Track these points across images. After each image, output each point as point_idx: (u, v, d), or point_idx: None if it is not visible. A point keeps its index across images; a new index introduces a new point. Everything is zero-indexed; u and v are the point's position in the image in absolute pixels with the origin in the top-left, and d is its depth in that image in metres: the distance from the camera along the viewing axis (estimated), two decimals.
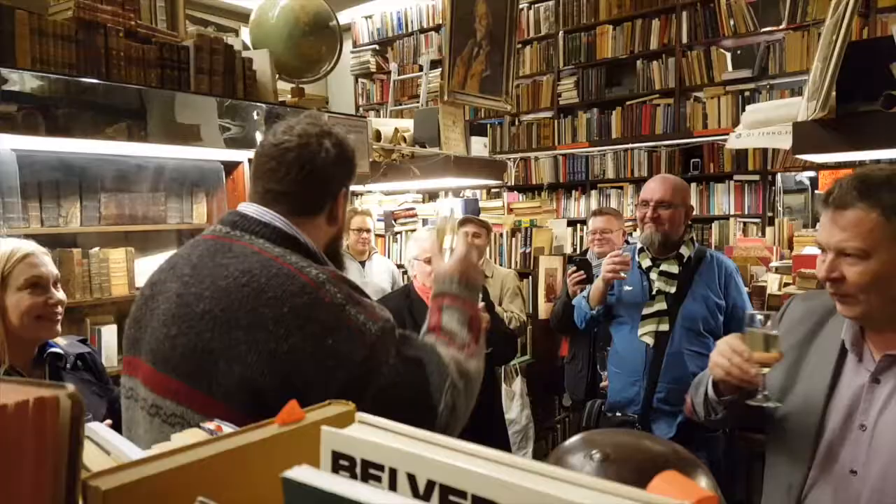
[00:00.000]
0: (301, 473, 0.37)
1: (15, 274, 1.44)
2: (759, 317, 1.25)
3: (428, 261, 2.39)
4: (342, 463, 0.43)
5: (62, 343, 1.58)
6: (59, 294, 1.51)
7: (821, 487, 1.21)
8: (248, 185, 2.56)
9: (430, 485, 0.39)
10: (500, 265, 3.75)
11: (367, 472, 0.41)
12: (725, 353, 1.23)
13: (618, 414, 2.32)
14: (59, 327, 1.52)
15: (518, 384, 3.18)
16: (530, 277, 3.73)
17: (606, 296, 2.33)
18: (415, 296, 2.45)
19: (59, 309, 1.51)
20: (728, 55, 5.15)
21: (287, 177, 1.12)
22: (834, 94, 1.95)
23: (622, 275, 2.24)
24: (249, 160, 2.56)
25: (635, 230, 3.65)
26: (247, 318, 0.98)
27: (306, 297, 1.00)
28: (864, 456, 1.16)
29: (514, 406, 3.19)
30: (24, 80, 1.78)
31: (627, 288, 2.33)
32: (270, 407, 0.96)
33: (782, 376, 1.30)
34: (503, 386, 3.06)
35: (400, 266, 4.01)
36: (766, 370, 1.22)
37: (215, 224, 1.17)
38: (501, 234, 3.90)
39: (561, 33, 5.81)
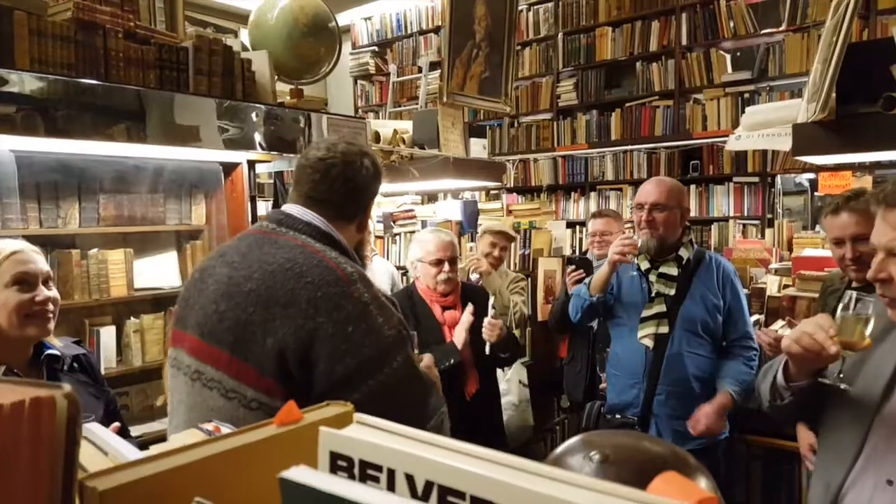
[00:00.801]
0: (298, 474, 0.37)
1: (1, 271, 1.42)
2: (855, 299, 1.17)
3: (432, 262, 2.38)
4: (340, 464, 0.43)
5: (58, 345, 1.57)
6: (49, 292, 1.48)
7: (858, 491, 1.18)
8: (247, 186, 2.57)
9: (429, 485, 0.38)
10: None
11: (366, 472, 0.41)
12: (808, 328, 1.17)
13: (617, 416, 2.31)
14: (51, 325, 1.49)
15: (523, 375, 3.11)
16: (529, 279, 3.73)
17: (609, 283, 2.29)
18: (417, 297, 2.44)
19: (51, 307, 1.48)
20: (728, 57, 5.15)
21: (329, 189, 1.29)
22: (834, 95, 1.95)
23: (629, 258, 2.20)
24: (248, 161, 2.56)
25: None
26: (285, 296, 1.14)
27: (339, 288, 1.15)
28: None
29: (502, 381, 3.01)
30: (22, 81, 1.78)
31: (632, 273, 2.30)
32: (293, 377, 1.12)
33: (845, 373, 1.25)
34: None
35: (399, 268, 4.01)
36: (849, 353, 1.17)
37: (261, 221, 1.33)
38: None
39: (560, 35, 5.81)
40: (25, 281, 1.44)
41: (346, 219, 1.32)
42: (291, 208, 1.30)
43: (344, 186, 1.29)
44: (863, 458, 1.18)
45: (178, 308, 1.31)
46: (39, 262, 1.49)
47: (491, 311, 2.38)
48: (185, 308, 1.27)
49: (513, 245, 3.91)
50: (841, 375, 1.21)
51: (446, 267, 2.37)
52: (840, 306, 1.20)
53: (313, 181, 1.29)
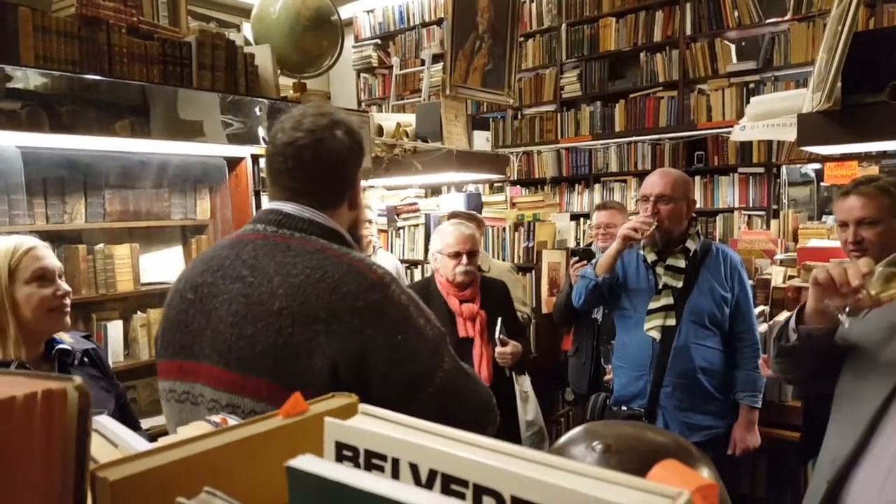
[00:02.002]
0: (305, 462, 0.37)
1: (21, 267, 1.45)
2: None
3: (451, 255, 2.40)
4: (345, 453, 0.43)
5: (68, 340, 1.59)
6: (66, 286, 1.52)
7: (862, 468, 1.19)
8: (251, 180, 2.58)
9: (433, 474, 0.39)
10: (503, 260, 3.75)
11: (370, 462, 0.42)
12: (838, 269, 1.17)
13: (623, 408, 2.32)
14: (68, 319, 1.53)
15: (527, 383, 3.10)
16: (533, 272, 3.73)
17: (615, 264, 2.28)
18: (434, 289, 2.45)
19: (67, 301, 1.51)
20: (732, 47, 5.13)
21: (307, 175, 1.14)
22: (839, 85, 1.94)
23: (638, 235, 2.18)
24: (252, 156, 2.56)
25: None
26: (325, 311, 1.02)
27: (378, 295, 1.05)
28: None
29: (531, 408, 2.90)
30: (27, 77, 1.79)
31: (639, 262, 2.31)
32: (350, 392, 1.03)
33: (872, 337, 1.25)
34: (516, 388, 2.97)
35: (404, 261, 4.02)
36: (864, 293, 1.14)
37: (253, 224, 1.17)
38: (504, 229, 3.90)
39: (563, 26, 5.79)
40: (45, 276, 1.47)
41: (333, 204, 1.17)
42: (283, 206, 1.15)
43: (320, 170, 1.14)
44: (873, 438, 1.19)
45: (172, 334, 1.14)
46: (53, 257, 1.52)
47: (499, 330, 2.38)
48: (187, 335, 1.11)
49: (516, 237, 3.91)
50: (847, 311, 1.18)
51: (464, 260, 2.39)
52: (888, 259, 1.17)
53: (288, 170, 1.14)
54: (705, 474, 0.57)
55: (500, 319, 2.41)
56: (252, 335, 1.04)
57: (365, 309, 1.03)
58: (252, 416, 1.00)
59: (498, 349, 2.38)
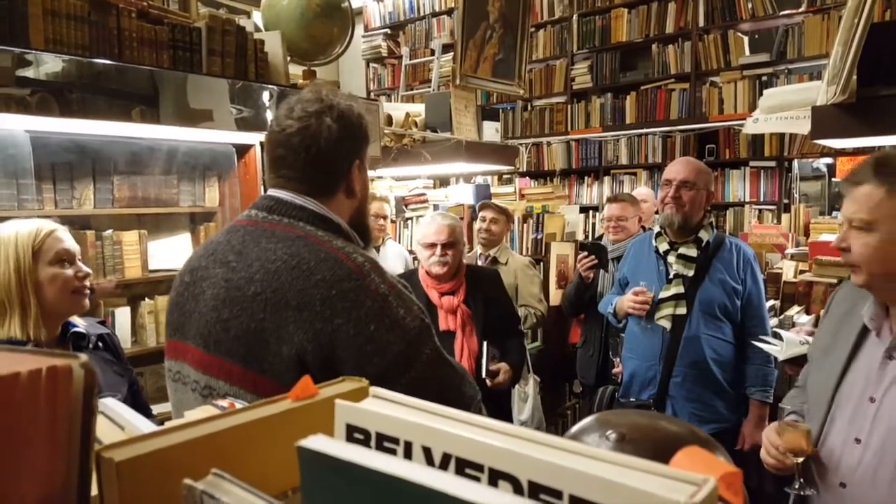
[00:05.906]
0: (316, 442, 0.36)
1: (45, 249, 1.46)
2: (789, 414, 1.45)
3: (426, 245, 2.39)
4: (357, 436, 0.42)
5: (82, 324, 1.60)
6: (86, 267, 1.54)
7: (828, 451, 1.34)
8: (259, 168, 2.57)
9: (446, 458, 0.38)
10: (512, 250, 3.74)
11: (382, 445, 0.41)
12: (766, 446, 1.41)
13: (632, 399, 2.32)
14: (87, 301, 1.54)
15: (531, 385, 3.09)
16: (542, 264, 3.72)
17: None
18: (416, 281, 2.42)
19: (88, 282, 1.53)
20: (745, 39, 5.07)
21: (296, 162, 1.13)
22: (855, 77, 1.91)
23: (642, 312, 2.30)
24: (261, 143, 2.55)
25: (657, 213, 3.54)
26: (296, 298, 1.02)
27: (353, 283, 1.03)
28: (868, 426, 1.28)
29: (527, 409, 3.02)
30: (37, 61, 1.78)
31: (651, 254, 2.37)
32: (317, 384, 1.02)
33: (819, 350, 1.45)
34: (516, 387, 2.87)
35: (412, 251, 4.01)
36: (799, 459, 1.33)
37: (248, 210, 1.18)
38: (513, 220, 3.89)
39: (575, 16, 5.74)
40: (66, 259, 1.48)
41: (327, 192, 1.15)
42: (278, 192, 1.15)
43: (308, 156, 1.12)
44: (829, 423, 1.36)
45: (171, 315, 1.18)
46: (72, 239, 1.54)
47: (485, 359, 2.29)
48: (181, 315, 1.14)
49: (525, 229, 3.89)
50: (801, 482, 1.37)
51: (438, 251, 2.36)
52: (780, 419, 1.47)
53: (279, 157, 1.14)
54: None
55: (485, 344, 2.32)
56: (228, 319, 1.05)
57: (337, 298, 1.01)
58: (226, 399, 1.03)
59: (490, 383, 2.29)
